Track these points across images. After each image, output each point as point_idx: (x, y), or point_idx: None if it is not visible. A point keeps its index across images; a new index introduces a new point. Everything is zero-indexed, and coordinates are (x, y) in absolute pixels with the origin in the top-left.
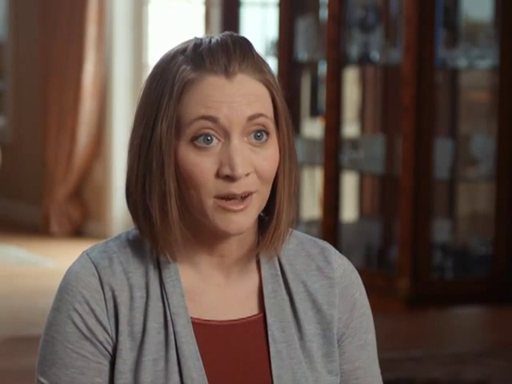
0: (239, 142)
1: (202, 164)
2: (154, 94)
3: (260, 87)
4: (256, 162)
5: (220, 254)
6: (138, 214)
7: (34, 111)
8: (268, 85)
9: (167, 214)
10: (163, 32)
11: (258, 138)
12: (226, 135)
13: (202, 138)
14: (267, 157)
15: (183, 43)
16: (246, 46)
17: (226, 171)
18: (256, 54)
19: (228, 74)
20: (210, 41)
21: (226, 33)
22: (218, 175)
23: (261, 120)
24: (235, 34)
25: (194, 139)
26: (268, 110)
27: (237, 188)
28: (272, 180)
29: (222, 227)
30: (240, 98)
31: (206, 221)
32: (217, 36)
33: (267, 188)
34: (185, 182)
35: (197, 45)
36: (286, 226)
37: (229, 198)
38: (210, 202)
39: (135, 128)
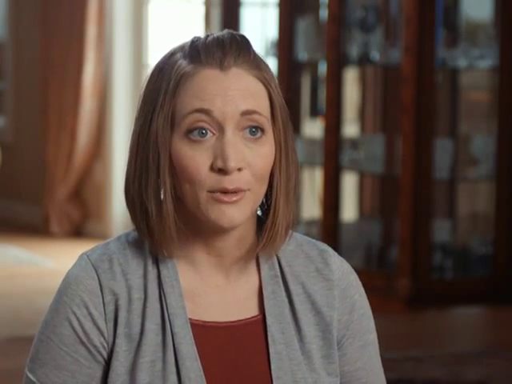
0: (233, 136)
1: (196, 158)
2: (153, 90)
3: (256, 84)
4: (250, 158)
5: (218, 254)
6: (135, 211)
7: (33, 111)
8: (265, 82)
9: (162, 207)
10: (163, 32)
11: (252, 133)
12: (220, 129)
13: (196, 132)
14: (261, 154)
15: (184, 42)
16: (243, 42)
17: (219, 164)
18: (253, 51)
19: (223, 67)
20: (207, 37)
21: (226, 30)
22: (211, 169)
23: (255, 117)
24: (235, 32)
25: (188, 132)
26: (263, 108)
27: (229, 183)
28: (267, 179)
29: (214, 220)
30: (234, 92)
31: (200, 215)
32: (216, 33)
33: (262, 187)
34: (180, 176)
35: (194, 41)
36: (282, 226)
37: (221, 192)
38: (203, 196)
39: (134, 125)
